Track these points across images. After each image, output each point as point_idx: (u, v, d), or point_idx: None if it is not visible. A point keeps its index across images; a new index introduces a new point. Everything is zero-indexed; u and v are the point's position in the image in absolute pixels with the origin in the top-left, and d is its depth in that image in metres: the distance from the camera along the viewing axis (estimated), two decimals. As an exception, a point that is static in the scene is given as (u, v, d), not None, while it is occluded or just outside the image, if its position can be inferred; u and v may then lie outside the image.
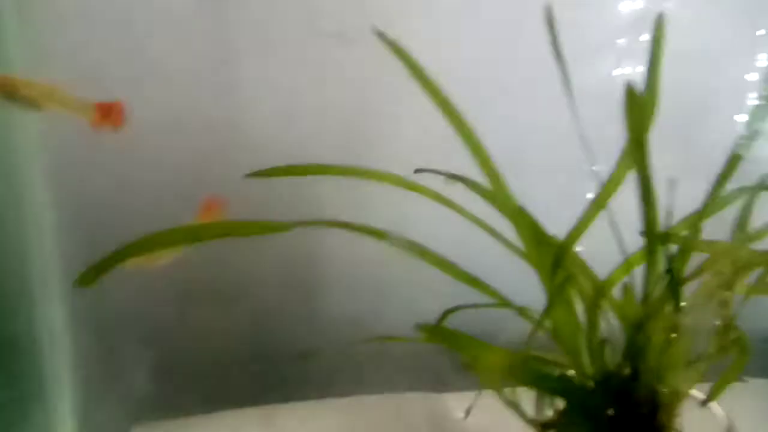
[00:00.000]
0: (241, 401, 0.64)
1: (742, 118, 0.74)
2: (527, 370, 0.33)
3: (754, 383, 0.67)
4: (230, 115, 0.63)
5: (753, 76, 0.72)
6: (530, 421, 0.40)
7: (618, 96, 0.37)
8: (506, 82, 0.64)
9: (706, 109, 0.72)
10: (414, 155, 0.49)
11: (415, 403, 0.65)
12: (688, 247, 0.41)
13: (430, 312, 0.50)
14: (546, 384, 0.34)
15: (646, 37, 0.72)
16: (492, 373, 0.32)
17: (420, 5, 0.63)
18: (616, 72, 0.68)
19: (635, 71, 0.69)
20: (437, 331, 0.31)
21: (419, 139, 0.62)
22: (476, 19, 0.64)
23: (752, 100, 0.74)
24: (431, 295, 0.53)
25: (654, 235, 0.35)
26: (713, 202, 0.38)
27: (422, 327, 0.31)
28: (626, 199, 0.43)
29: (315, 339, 0.70)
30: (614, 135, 0.41)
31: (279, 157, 0.46)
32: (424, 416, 0.63)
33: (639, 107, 0.30)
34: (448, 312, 0.46)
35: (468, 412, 0.51)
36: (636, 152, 0.31)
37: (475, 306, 0.45)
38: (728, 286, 0.44)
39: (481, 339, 0.40)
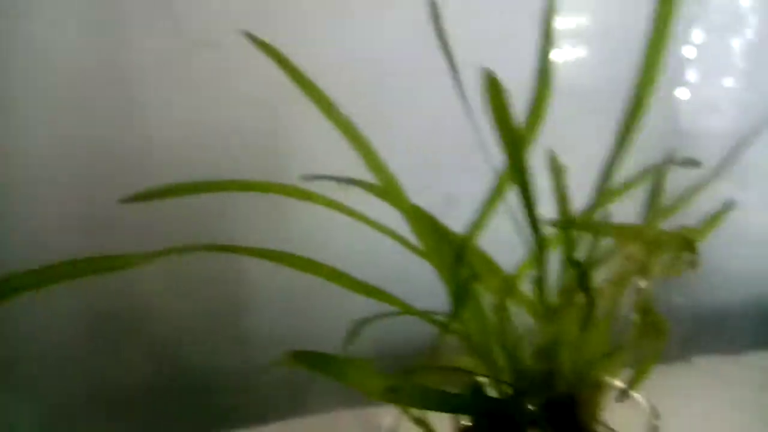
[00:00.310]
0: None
1: (682, 92, 0.74)
2: (415, 391, 0.30)
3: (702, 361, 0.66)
4: (130, 140, 0.59)
5: (690, 51, 0.72)
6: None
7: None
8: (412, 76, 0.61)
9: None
10: (331, 162, 0.46)
11: (348, 420, 0.62)
12: (592, 233, 0.40)
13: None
14: (437, 404, 0.31)
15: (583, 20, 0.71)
16: (375, 399, 0.29)
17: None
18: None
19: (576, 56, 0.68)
20: (305, 357, 0.28)
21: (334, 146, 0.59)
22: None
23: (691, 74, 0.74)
24: (366, 305, 0.51)
25: (537, 229, 0.33)
26: (607, 183, 0.36)
27: (289, 353, 0.28)
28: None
29: (245, 363, 0.67)
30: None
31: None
32: (360, 432, 0.61)
33: (500, 94, 0.27)
34: (355, 328, 0.44)
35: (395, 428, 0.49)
36: (506, 142, 0.29)
37: (379, 317, 0.43)
38: (643, 269, 0.43)
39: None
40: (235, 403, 0.65)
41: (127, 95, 0.56)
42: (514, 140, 0.30)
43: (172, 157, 0.58)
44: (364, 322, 0.43)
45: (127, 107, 0.57)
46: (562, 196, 0.43)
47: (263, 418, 0.63)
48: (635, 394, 0.44)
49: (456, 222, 0.42)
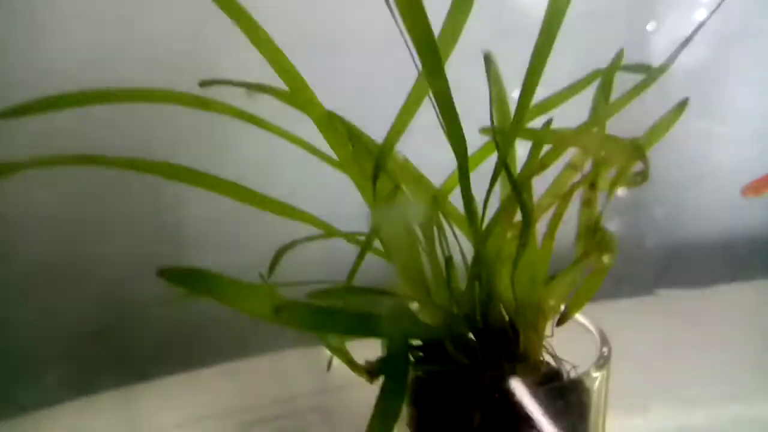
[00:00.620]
0: (96, 387, 0.56)
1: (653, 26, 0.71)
2: (311, 312, 0.26)
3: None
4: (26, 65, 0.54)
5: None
6: (356, 368, 0.33)
7: None
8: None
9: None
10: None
11: (295, 360, 0.58)
12: (530, 139, 0.35)
13: (313, 255, 0.43)
14: (343, 326, 0.27)
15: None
16: (263, 319, 0.25)
17: None
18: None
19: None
20: (179, 275, 0.24)
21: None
22: None
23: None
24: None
25: (458, 136, 0.29)
26: (532, 80, 0.32)
27: (163, 270, 0.24)
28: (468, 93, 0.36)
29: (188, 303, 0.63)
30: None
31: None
32: (305, 372, 0.57)
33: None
34: (281, 251, 0.40)
35: (330, 364, 0.45)
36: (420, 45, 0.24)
37: (306, 240, 0.39)
38: (589, 180, 0.39)
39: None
40: (179, 343, 0.62)
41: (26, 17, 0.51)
42: (425, 30, 0.26)
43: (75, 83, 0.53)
44: (286, 248, 0.39)
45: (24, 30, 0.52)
46: (500, 103, 0.39)
47: (207, 360, 0.59)
48: (585, 322, 0.40)
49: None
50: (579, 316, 0.39)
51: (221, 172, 0.35)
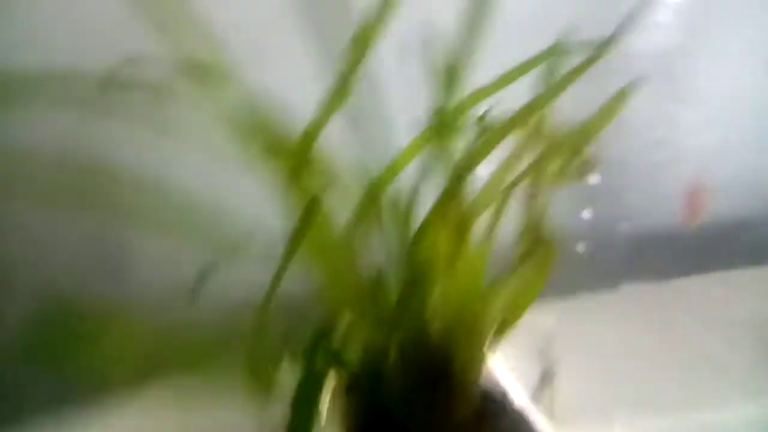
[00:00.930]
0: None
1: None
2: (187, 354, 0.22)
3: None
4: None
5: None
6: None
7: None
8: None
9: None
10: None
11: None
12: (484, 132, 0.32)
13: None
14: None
15: None
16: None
17: None
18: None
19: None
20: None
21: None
22: None
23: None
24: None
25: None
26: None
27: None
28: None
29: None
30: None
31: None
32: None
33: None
34: (201, 276, 0.35)
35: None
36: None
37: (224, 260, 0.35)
38: (535, 173, 0.35)
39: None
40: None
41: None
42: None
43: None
44: (209, 270, 0.35)
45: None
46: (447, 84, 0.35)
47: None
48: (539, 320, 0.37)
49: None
50: (525, 335, 0.36)
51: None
